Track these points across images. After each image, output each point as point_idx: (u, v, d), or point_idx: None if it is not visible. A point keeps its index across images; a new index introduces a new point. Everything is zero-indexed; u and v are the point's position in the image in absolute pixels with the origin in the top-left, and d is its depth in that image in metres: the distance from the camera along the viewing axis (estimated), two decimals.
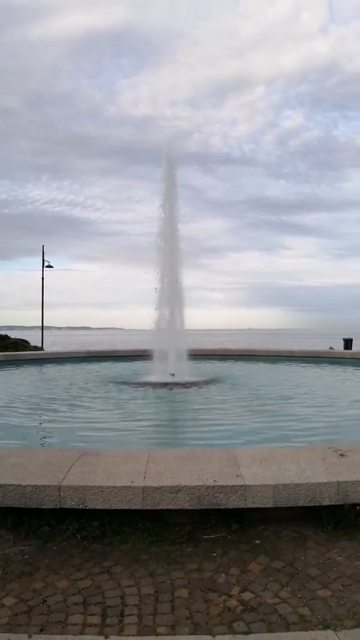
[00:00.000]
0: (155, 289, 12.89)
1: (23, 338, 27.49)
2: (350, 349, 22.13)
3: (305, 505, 3.25)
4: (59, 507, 3.23)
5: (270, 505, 3.21)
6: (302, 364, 15.60)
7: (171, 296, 13.15)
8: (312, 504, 3.25)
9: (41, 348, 25.31)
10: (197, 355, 14.58)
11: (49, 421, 7.18)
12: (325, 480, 3.26)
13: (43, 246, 27.10)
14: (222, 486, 3.19)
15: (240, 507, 3.19)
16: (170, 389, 10.19)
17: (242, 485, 3.19)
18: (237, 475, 3.30)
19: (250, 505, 3.18)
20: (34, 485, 3.23)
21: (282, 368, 14.74)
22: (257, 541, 3.10)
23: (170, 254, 13.12)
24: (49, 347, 28.61)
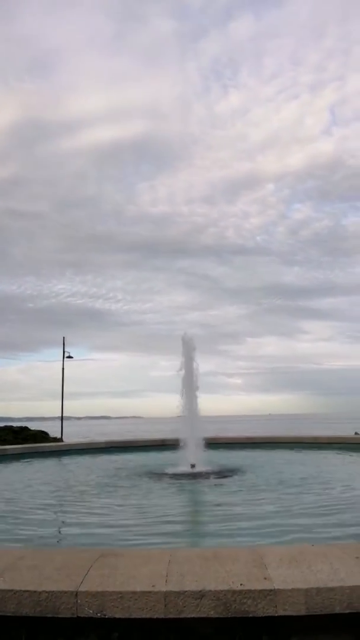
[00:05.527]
0: (176, 374, 12.94)
1: (42, 429, 27.19)
2: None
3: (341, 612, 2.97)
4: (75, 615, 3.00)
5: (302, 612, 2.92)
6: (329, 451, 14.97)
7: (190, 384, 13.11)
8: (349, 611, 2.97)
9: (60, 439, 24.92)
10: (218, 444, 14.17)
11: (66, 518, 6.90)
12: None
13: (64, 338, 27.77)
14: (249, 590, 2.93)
15: (270, 614, 2.93)
16: (191, 481, 9.81)
17: (271, 590, 2.93)
18: (265, 578, 3.04)
19: (280, 612, 2.90)
20: (50, 592, 3.03)
21: (308, 456, 14.15)
22: None
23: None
24: (69, 438, 28.13)
